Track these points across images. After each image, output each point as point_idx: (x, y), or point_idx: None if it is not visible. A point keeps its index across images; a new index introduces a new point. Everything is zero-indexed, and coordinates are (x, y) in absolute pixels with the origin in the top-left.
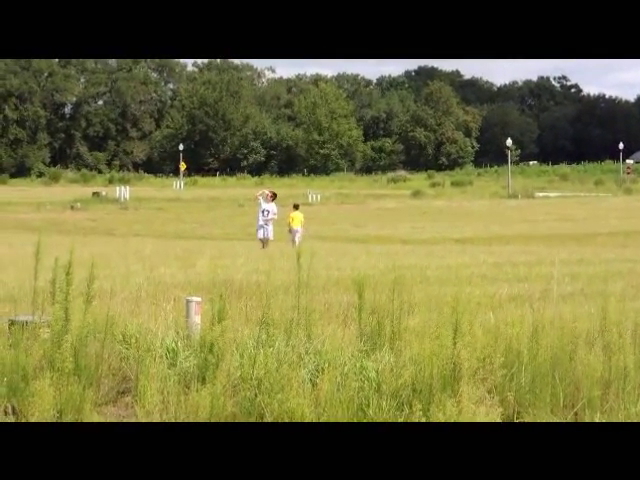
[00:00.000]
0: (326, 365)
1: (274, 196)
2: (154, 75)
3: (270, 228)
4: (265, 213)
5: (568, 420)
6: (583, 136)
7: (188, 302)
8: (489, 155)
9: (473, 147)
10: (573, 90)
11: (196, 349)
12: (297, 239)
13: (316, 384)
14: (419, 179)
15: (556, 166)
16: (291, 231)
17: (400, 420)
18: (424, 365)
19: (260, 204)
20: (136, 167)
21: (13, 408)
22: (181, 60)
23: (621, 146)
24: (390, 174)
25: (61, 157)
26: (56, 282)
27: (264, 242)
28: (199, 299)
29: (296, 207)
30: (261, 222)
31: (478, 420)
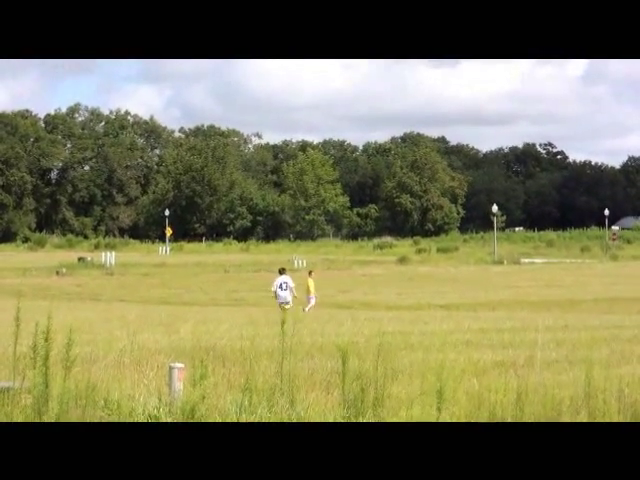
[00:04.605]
0: None
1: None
2: (140, 141)
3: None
4: (284, 285)
5: None
6: (569, 202)
7: (171, 368)
8: (475, 221)
9: (459, 213)
10: (559, 157)
11: (178, 416)
12: (310, 304)
13: None
14: (405, 245)
15: (542, 232)
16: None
17: None
18: None
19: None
20: (122, 232)
21: None
22: (167, 126)
23: (607, 212)
24: (376, 240)
25: (47, 222)
26: (36, 348)
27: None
28: (182, 365)
29: (310, 273)
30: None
31: None
